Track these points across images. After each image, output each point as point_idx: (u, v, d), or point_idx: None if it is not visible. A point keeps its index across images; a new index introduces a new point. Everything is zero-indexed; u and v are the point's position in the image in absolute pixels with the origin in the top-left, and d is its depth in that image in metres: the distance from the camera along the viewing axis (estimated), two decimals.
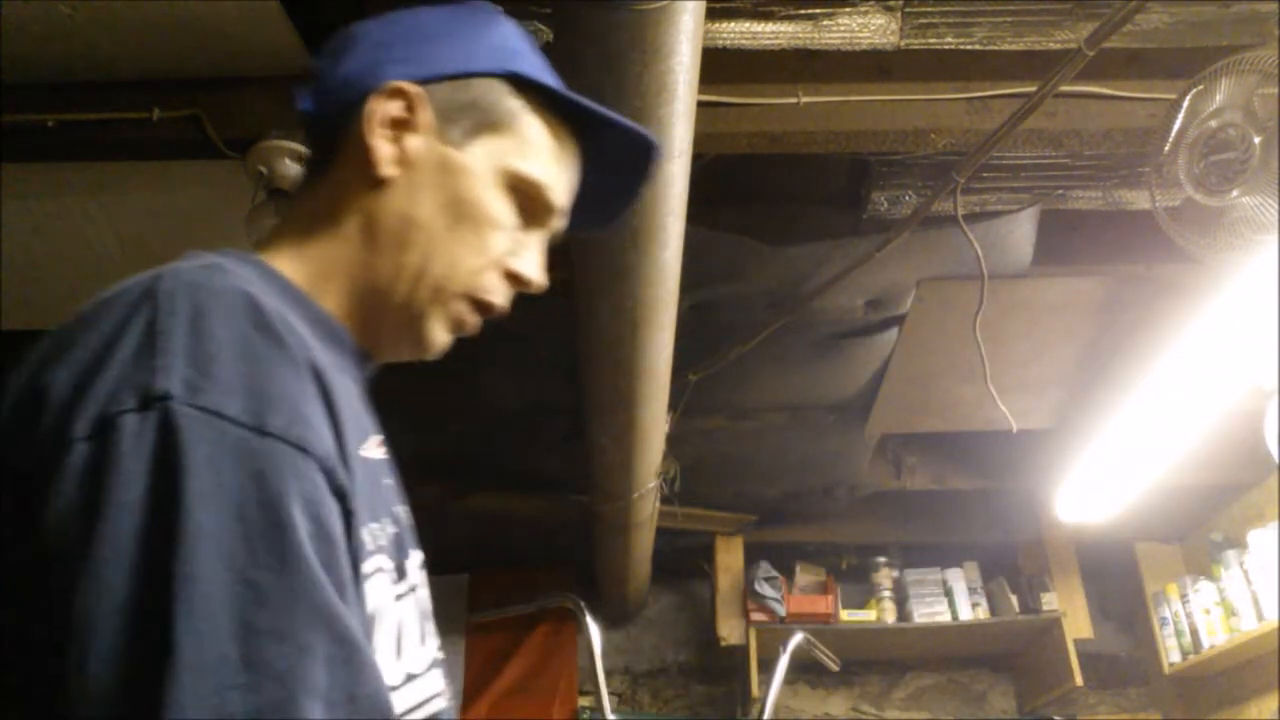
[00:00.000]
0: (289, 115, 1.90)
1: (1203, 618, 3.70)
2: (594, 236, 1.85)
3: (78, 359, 0.64)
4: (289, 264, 0.83)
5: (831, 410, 3.26)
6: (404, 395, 3.04)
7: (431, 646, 0.84)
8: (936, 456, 3.76)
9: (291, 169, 1.94)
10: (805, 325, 2.74)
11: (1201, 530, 3.97)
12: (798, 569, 4.05)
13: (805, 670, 3.98)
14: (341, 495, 0.65)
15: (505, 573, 4.06)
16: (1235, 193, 1.75)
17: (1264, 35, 1.93)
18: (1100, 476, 3.11)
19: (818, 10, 1.95)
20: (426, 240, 0.85)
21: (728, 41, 2.01)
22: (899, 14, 1.96)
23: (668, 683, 4.17)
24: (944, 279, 2.60)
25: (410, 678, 0.77)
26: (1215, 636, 3.64)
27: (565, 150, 0.94)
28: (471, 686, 3.90)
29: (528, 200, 0.90)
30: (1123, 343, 2.85)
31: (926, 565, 4.01)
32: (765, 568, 3.91)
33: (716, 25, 1.97)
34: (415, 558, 0.84)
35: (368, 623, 0.69)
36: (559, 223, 0.95)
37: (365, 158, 0.86)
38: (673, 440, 2.96)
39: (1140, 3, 1.59)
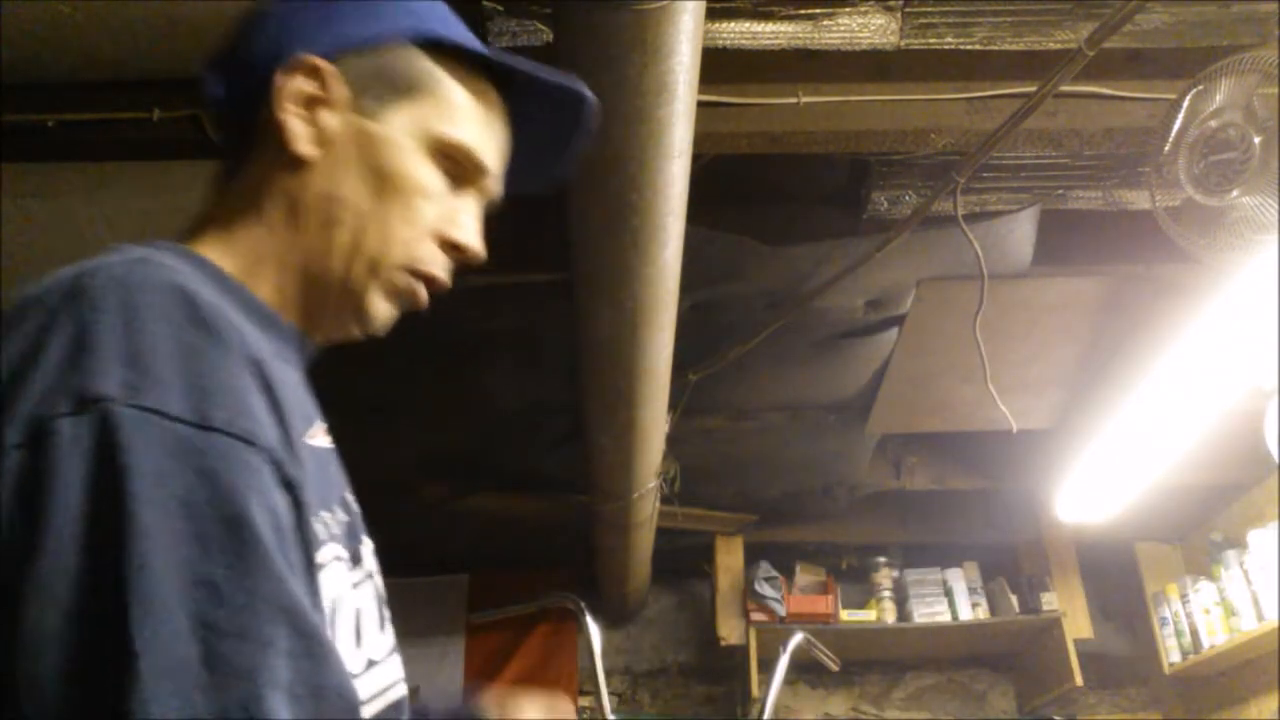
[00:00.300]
0: None
1: (1203, 618, 3.70)
2: (591, 236, 1.85)
3: (3, 363, 0.62)
4: (218, 253, 0.81)
5: (831, 410, 3.26)
6: (405, 396, 3.05)
7: (390, 633, 0.83)
8: (936, 456, 3.76)
9: None
10: (805, 325, 2.74)
11: (1201, 530, 3.97)
12: (798, 569, 4.05)
13: (805, 670, 3.98)
14: (291, 486, 0.64)
15: (505, 573, 4.06)
16: (1235, 193, 1.75)
17: (1264, 35, 1.93)
18: (1100, 476, 3.11)
19: (818, 10, 1.95)
20: (355, 217, 0.83)
21: (728, 41, 2.01)
22: (899, 14, 1.96)
23: (668, 683, 4.17)
24: (944, 279, 2.60)
25: (371, 664, 0.77)
26: (1215, 636, 3.64)
27: (491, 111, 0.91)
28: (471, 687, 3.90)
29: (455, 165, 0.87)
30: (1123, 343, 2.85)
31: (926, 565, 4.01)
32: (765, 568, 3.91)
33: (716, 25, 1.97)
34: (368, 544, 0.83)
35: (326, 612, 0.69)
36: (493, 186, 0.92)
37: (281, 139, 0.83)
38: (673, 440, 2.95)
39: (1140, 3, 1.59)
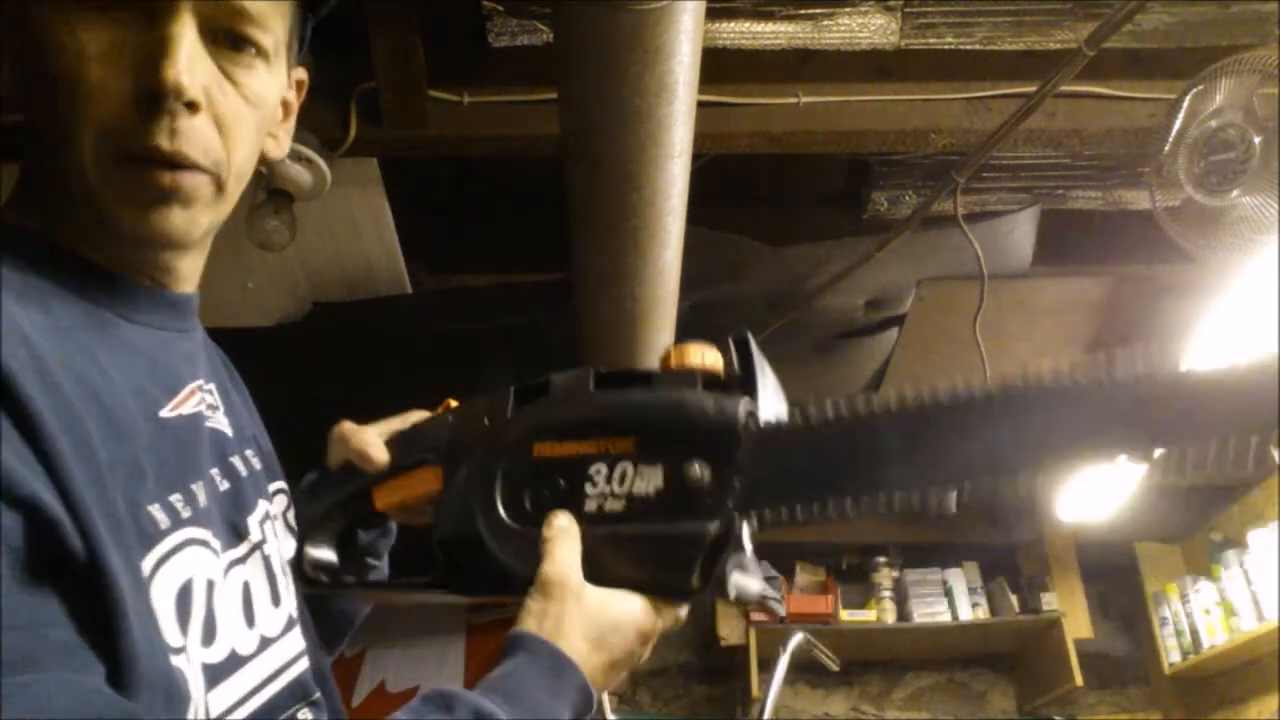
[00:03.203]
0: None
1: (1203, 618, 3.70)
2: (592, 236, 1.85)
3: None
4: (21, 215, 0.70)
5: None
6: (405, 397, 3.04)
7: (288, 605, 0.78)
8: None
9: (291, 169, 1.94)
10: (805, 325, 2.74)
11: (1201, 530, 3.97)
12: (797, 569, 4.05)
13: (805, 670, 3.98)
14: (25, 505, 0.56)
15: None
16: (1235, 193, 1.75)
17: (1264, 35, 1.93)
18: (1100, 476, 3.10)
19: (818, 10, 1.95)
20: (46, 122, 0.67)
21: (728, 41, 2.01)
22: (899, 14, 1.96)
23: (667, 683, 4.17)
24: (944, 279, 2.60)
25: (266, 642, 0.73)
26: (1215, 636, 3.64)
27: None
28: (472, 687, 3.89)
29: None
30: (1123, 343, 2.85)
31: (926, 565, 4.01)
32: (765, 567, 3.91)
33: (716, 25, 1.97)
34: (261, 509, 0.78)
35: (162, 602, 0.62)
36: None
37: None
38: None
39: (1140, 3, 1.59)
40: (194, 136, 0.67)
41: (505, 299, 2.55)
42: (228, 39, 0.69)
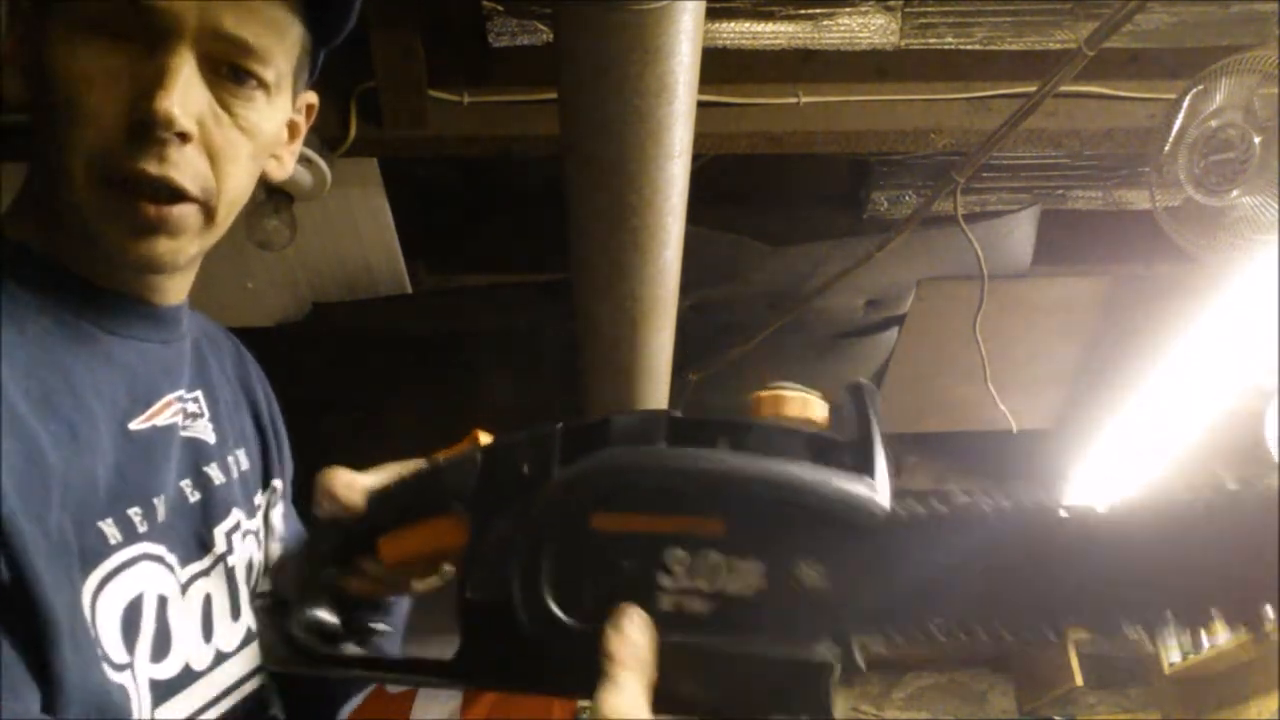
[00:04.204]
0: None
1: None
2: (592, 236, 1.84)
3: None
4: (27, 229, 0.71)
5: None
6: (404, 397, 3.04)
7: (249, 618, 0.76)
8: (936, 456, 3.76)
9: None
10: (805, 325, 2.74)
11: None
12: None
13: None
14: None
15: None
16: (1235, 193, 1.75)
17: (1264, 35, 1.93)
18: (1100, 476, 3.11)
19: (818, 10, 1.95)
20: (44, 136, 0.68)
21: (728, 41, 2.01)
22: (899, 14, 1.96)
23: None
24: (944, 279, 2.60)
25: (221, 657, 0.73)
26: (1215, 636, 3.64)
27: None
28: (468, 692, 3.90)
29: (115, 20, 0.66)
30: (1123, 343, 2.85)
31: None
32: None
33: (716, 25, 1.97)
34: (232, 519, 0.77)
35: (84, 626, 0.61)
36: (174, 21, 0.66)
37: None
38: None
39: (1140, 3, 1.59)
40: (183, 164, 0.67)
41: (505, 299, 2.55)
42: (229, 71, 0.69)
